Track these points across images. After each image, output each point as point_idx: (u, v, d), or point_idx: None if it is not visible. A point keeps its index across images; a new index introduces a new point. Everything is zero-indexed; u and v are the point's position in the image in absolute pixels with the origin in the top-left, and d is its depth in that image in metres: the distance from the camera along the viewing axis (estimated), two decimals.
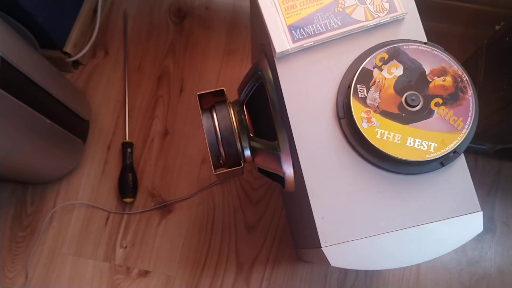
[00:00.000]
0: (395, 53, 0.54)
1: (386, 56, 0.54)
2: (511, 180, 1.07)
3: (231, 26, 1.18)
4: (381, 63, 0.54)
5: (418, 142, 0.52)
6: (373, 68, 0.54)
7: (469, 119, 0.52)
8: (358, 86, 0.53)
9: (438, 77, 0.53)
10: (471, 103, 0.53)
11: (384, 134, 0.52)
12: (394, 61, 0.54)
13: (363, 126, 0.52)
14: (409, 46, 0.54)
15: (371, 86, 0.53)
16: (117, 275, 1.02)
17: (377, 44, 0.56)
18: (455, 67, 0.54)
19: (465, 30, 1.16)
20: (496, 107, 0.86)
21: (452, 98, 0.53)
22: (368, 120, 0.52)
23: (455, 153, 0.53)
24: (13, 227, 1.04)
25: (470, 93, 0.53)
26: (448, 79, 0.53)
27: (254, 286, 1.01)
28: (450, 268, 1.03)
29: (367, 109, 0.53)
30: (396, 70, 0.54)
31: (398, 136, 0.52)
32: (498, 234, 1.05)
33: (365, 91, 0.53)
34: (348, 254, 0.51)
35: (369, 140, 0.52)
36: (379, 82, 0.53)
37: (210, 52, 1.16)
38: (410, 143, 0.52)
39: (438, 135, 0.52)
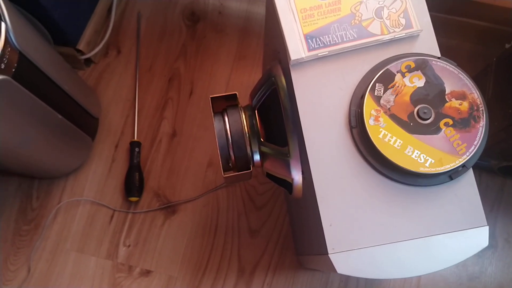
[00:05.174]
0: (422, 65, 0.55)
1: (413, 65, 0.55)
2: None
3: (243, 32, 1.19)
4: (406, 70, 0.55)
5: (417, 153, 0.52)
6: (397, 72, 0.55)
7: (472, 147, 0.53)
8: (377, 84, 0.54)
9: (456, 99, 0.54)
10: (479, 133, 0.53)
11: (387, 136, 0.53)
12: (419, 72, 0.55)
13: (369, 122, 0.53)
14: (437, 63, 0.55)
15: (389, 88, 0.54)
16: (119, 273, 1.02)
17: (391, 57, 0.57)
18: (475, 95, 0.54)
19: (474, 47, 1.17)
20: (503, 124, 0.86)
21: (463, 123, 0.54)
22: (376, 119, 0.53)
23: (463, 167, 0.53)
24: (18, 221, 1.05)
25: (482, 123, 0.54)
26: (465, 104, 0.54)
27: None
28: (450, 282, 1.03)
29: (378, 108, 0.54)
30: (418, 81, 0.55)
31: (399, 142, 0.53)
32: (499, 251, 1.05)
33: (382, 91, 0.54)
34: (354, 262, 0.51)
35: (371, 136, 0.52)
36: (398, 87, 0.54)
37: (221, 57, 1.17)
38: (408, 152, 0.52)
39: (438, 152, 0.53)
